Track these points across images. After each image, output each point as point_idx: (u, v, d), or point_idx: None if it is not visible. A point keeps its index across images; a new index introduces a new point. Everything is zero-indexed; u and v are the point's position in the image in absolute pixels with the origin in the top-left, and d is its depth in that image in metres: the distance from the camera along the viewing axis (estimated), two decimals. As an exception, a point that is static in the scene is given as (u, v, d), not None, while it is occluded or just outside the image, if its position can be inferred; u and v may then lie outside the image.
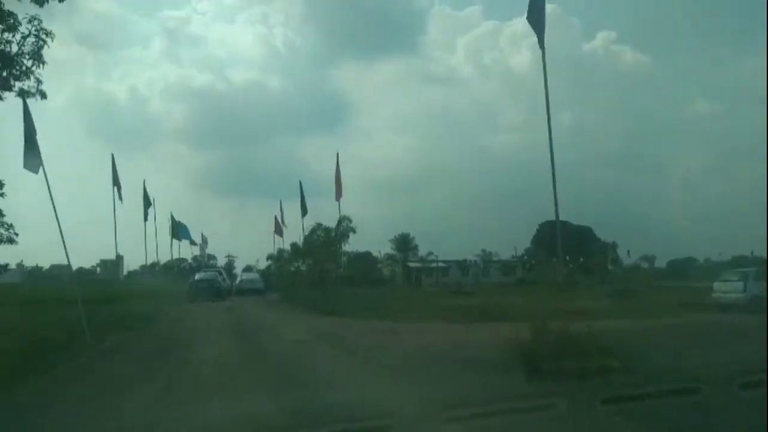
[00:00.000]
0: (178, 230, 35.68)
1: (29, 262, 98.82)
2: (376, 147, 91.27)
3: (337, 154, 23.65)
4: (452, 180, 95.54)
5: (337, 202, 23.33)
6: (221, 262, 70.61)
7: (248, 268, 58.84)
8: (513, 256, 64.31)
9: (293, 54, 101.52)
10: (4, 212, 14.87)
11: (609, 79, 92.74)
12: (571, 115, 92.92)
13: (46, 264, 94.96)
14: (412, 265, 44.62)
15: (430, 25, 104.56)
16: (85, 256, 79.92)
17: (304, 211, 27.14)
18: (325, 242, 25.15)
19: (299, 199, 35.72)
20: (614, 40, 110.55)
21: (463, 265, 50.90)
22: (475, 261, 53.14)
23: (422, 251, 47.77)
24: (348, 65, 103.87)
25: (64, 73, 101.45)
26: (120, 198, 21.34)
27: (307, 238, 28.39)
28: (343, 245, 24.10)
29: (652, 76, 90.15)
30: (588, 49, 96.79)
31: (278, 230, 38.44)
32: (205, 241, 50.57)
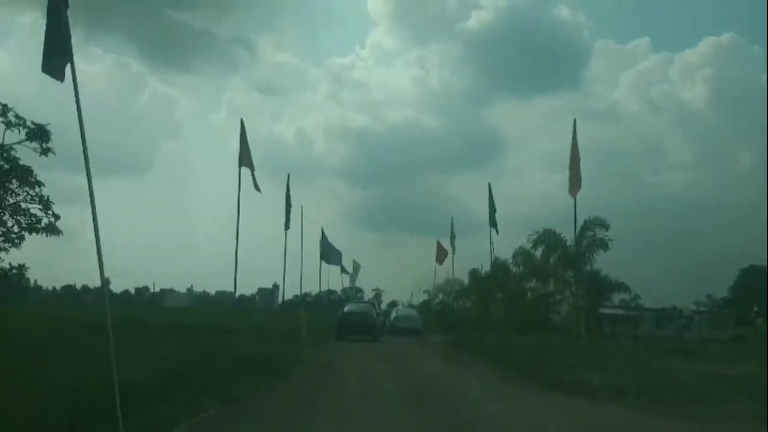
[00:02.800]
0: (330, 254, 29.26)
1: (198, 287, 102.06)
2: (528, 184, 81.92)
3: (575, 121, 14.98)
4: (612, 220, 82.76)
5: (573, 198, 14.75)
6: (368, 295, 64.88)
7: (393, 303, 51.76)
8: (701, 305, 50.85)
9: (448, 93, 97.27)
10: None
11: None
12: (751, 154, 77.39)
13: (212, 290, 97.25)
14: (606, 311, 33.92)
15: (592, 60, 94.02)
16: (247, 283, 79.43)
17: (493, 222, 18.87)
18: (539, 263, 16.07)
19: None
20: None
21: (666, 315, 39.38)
22: (681, 311, 41.28)
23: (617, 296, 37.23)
24: (503, 103, 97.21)
25: (243, 117, 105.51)
26: (256, 187, 15.07)
27: (496, 265, 20.14)
28: (590, 264, 14.64)
29: None
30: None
31: (440, 257, 30.66)
32: (356, 270, 44.18)
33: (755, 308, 43.27)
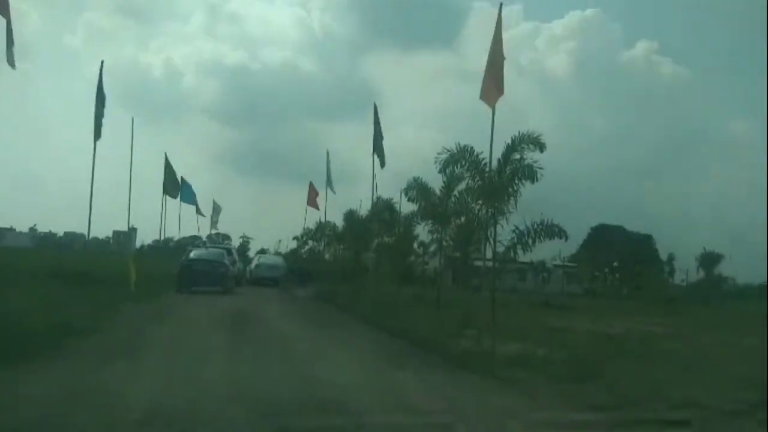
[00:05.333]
0: (178, 189, 23.91)
1: (43, 227, 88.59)
2: (401, 138, 79.76)
3: (500, 7, 10.32)
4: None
5: (490, 108, 10.58)
6: (237, 243, 59.15)
7: (262, 251, 47.06)
8: (559, 261, 52.73)
9: (329, 39, 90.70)
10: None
11: (645, 89, 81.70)
12: (604, 122, 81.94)
13: (60, 230, 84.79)
14: (479, 264, 31.64)
15: (468, 21, 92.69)
16: (102, 225, 69.33)
17: (379, 150, 15.10)
18: (440, 198, 12.16)
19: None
20: (655, 50, 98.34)
21: (533, 269, 39.05)
22: (544, 264, 41.26)
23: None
24: (382, 55, 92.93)
25: (104, 42, 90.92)
26: (10, 58, 9.97)
27: (377, 204, 16.59)
28: (516, 193, 10.20)
29: (691, 91, 79.21)
30: (627, 57, 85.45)
31: (312, 200, 26.66)
32: (216, 212, 38.33)
33: (614, 263, 44.99)
